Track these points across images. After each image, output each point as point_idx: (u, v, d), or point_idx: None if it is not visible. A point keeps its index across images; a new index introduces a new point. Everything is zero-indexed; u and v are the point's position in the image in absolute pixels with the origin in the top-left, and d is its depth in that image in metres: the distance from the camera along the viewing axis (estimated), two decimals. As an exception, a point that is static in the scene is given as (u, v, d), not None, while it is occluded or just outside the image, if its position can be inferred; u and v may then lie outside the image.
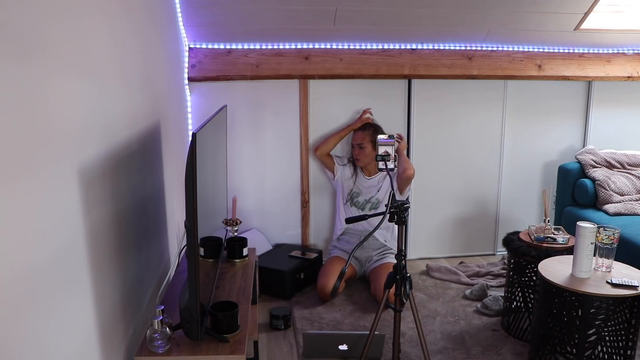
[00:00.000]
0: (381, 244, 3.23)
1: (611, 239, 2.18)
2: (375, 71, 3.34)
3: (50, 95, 1.15)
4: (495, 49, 3.48)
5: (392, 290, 2.04)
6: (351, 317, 2.84)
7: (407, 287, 2.00)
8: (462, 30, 3.28)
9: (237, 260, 2.30)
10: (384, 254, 3.19)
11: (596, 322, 2.08)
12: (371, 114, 3.34)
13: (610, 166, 3.54)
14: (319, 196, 3.54)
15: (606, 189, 3.37)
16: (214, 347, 1.56)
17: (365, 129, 3.24)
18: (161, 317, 1.54)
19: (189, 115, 3.18)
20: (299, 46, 3.28)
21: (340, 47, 3.32)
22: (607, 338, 2.13)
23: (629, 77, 3.60)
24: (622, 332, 2.11)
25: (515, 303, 2.62)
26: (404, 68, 3.37)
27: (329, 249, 3.41)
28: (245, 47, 3.23)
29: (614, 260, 2.23)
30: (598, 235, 2.18)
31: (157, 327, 1.53)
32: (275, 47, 3.26)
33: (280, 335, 2.68)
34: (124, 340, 1.65)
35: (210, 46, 3.20)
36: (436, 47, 3.42)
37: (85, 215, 1.33)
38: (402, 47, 3.39)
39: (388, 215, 1.90)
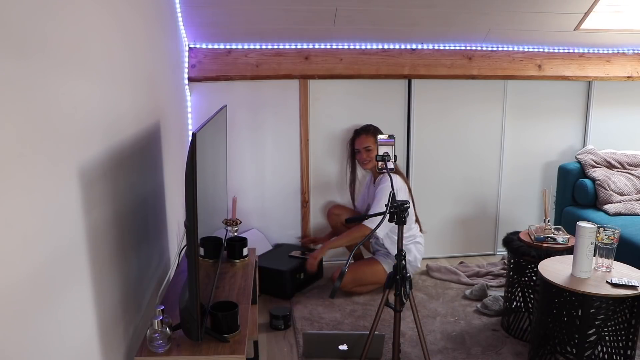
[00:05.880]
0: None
1: (611, 239, 2.18)
2: (375, 71, 3.34)
3: (50, 95, 1.15)
4: (495, 49, 3.48)
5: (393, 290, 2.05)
6: (351, 317, 2.84)
7: (407, 287, 2.00)
8: (462, 30, 3.28)
9: (237, 260, 2.30)
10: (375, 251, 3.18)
11: (596, 322, 2.07)
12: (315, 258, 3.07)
13: (610, 166, 3.54)
14: (319, 196, 3.54)
15: (606, 189, 3.37)
16: (214, 347, 1.56)
17: (369, 132, 3.17)
18: (161, 317, 1.54)
19: (189, 115, 3.18)
20: (299, 46, 3.28)
21: (340, 47, 3.32)
22: (607, 338, 2.13)
23: (629, 77, 3.60)
24: (622, 332, 2.11)
25: (515, 303, 2.62)
26: (404, 68, 3.37)
27: None
28: (245, 47, 3.23)
29: (614, 260, 2.23)
30: (598, 235, 2.18)
31: (157, 327, 1.53)
32: (275, 47, 3.26)
33: (280, 335, 2.68)
34: (124, 340, 1.65)
35: (210, 46, 3.20)
36: (436, 47, 3.42)
37: (86, 215, 1.33)
38: (402, 47, 3.38)
39: (388, 215, 1.90)
